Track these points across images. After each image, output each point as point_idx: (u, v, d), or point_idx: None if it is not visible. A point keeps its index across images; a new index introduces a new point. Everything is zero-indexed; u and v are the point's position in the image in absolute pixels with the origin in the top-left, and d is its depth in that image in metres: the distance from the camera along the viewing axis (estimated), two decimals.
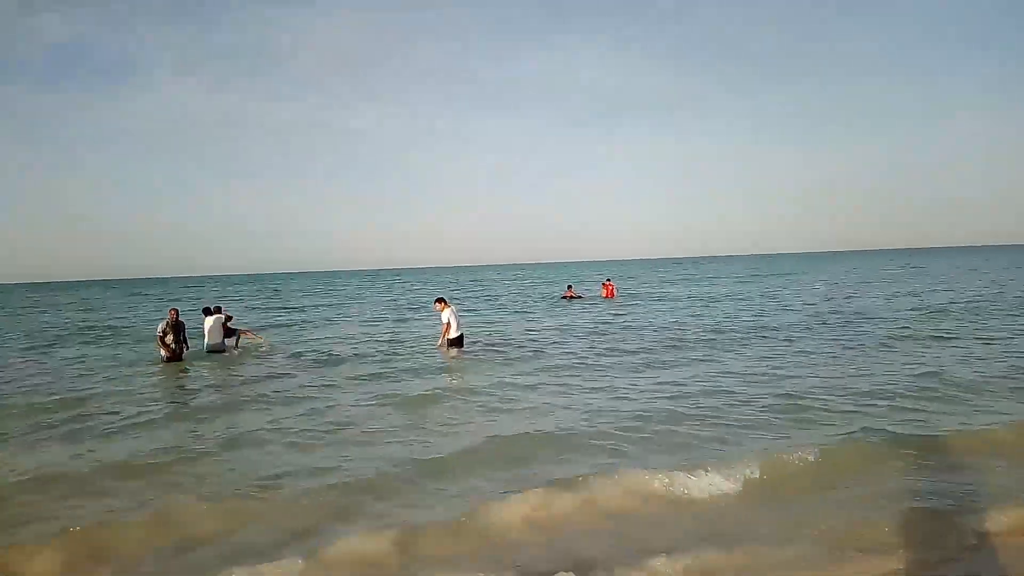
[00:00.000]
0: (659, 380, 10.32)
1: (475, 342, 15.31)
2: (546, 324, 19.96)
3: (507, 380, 10.59)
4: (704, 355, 12.81)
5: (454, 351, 13.95)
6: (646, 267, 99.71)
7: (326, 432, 7.72)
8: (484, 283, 57.90)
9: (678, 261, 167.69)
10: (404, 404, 9.15)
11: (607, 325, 19.00)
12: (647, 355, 13.09)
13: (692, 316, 21.21)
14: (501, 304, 30.66)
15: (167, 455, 6.99)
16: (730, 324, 18.26)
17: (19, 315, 35.68)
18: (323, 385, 10.75)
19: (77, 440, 7.73)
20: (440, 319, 14.51)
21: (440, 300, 14.60)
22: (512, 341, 15.95)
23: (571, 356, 13.24)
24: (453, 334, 14.12)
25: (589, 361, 12.56)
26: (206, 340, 14.59)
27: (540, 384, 10.32)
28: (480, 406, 8.90)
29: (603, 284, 32.40)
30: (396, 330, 19.67)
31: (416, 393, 9.82)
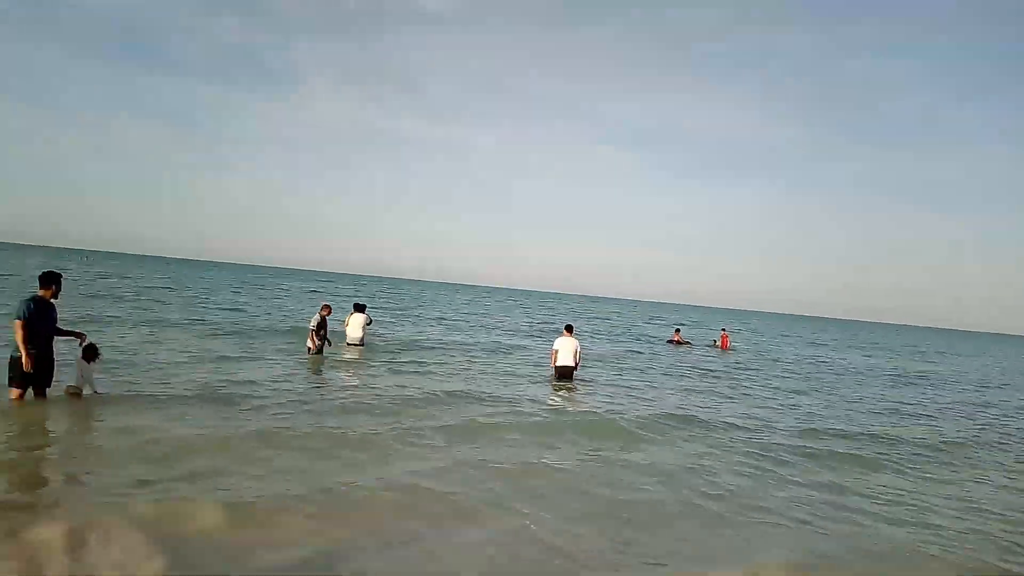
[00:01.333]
0: None
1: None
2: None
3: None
4: None
5: (563, 381, 13.67)
6: (717, 316, 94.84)
7: None
8: (583, 314, 57.49)
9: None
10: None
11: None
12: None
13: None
14: (612, 337, 30.72)
15: None
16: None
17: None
18: None
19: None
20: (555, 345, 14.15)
21: (569, 327, 14.50)
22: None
23: None
24: (561, 362, 13.80)
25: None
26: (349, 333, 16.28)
27: None
28: None
29: (721, 333, 30.91)
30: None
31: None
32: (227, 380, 10.79)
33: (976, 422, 14.06)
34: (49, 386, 7.91)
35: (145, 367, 11.41)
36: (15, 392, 7.58)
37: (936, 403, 16.81)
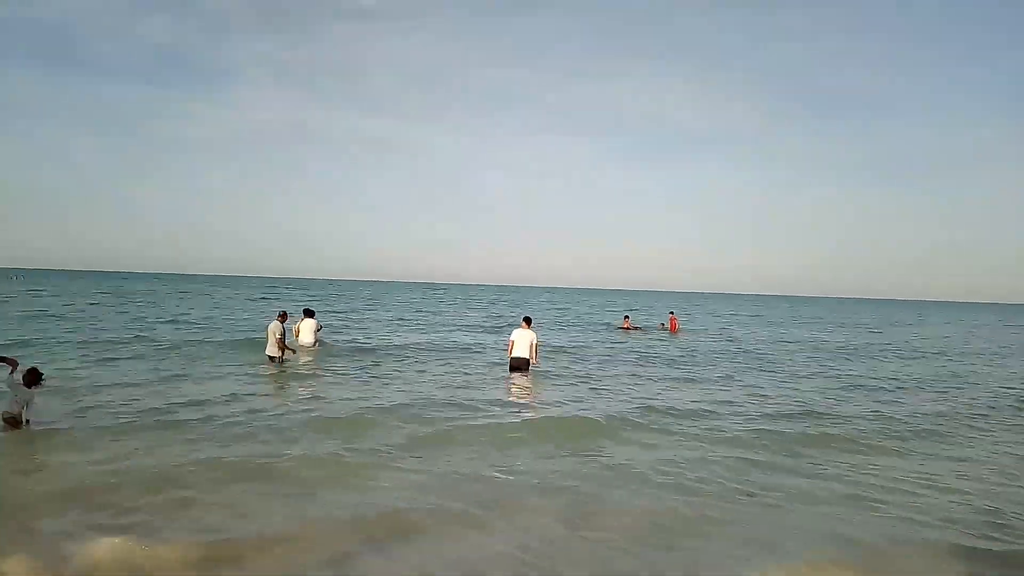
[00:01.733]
0: None
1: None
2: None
3: None
4: None
5: (516, 374, 13.77)
6: (668, 299, 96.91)
7: None
8: (523, 305, 57.49)
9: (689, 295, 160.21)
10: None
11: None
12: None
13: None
14: (555, 328, 30.92)
15: None
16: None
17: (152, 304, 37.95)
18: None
19: None
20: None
21: (528, 319, 14.42)
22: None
23: None
24: (516, 354, 13.76)
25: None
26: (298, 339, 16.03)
27: None
28: None
29: (670, 316, 31.41)
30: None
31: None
32: (179, 402, 10.20)
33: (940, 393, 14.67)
34: None
35: (89, 391, 10.89)
36: None
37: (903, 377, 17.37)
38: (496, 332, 26.78)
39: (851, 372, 17.93)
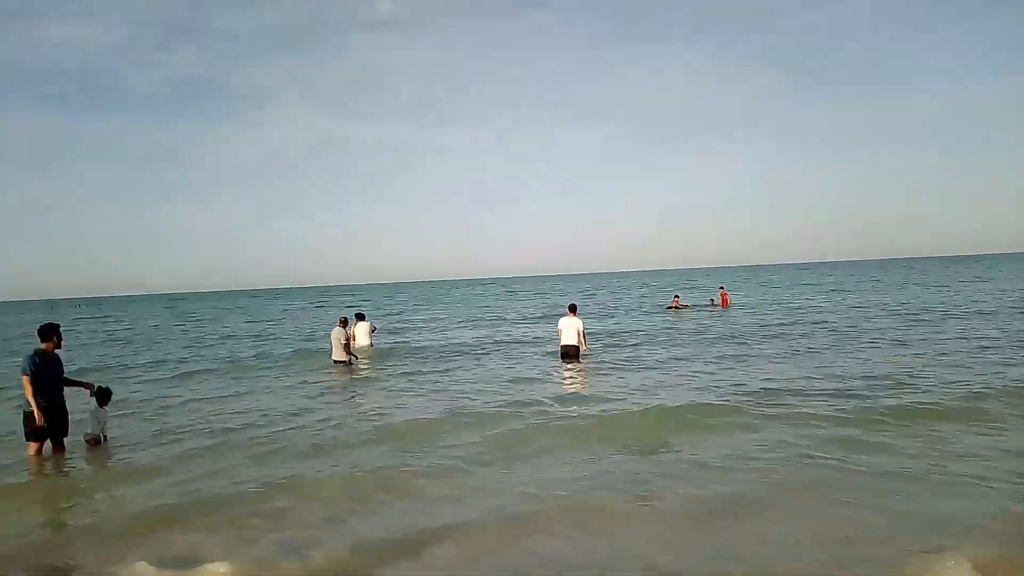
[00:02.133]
0: None
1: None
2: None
3: None
4: None
5: (568, 361, 13.71)
6: (703, 277, 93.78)
7: None
8: (567, 295, 56.76)
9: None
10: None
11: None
12: None
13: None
14: (606, 313, 30.47)
15: None
16: None
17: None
18: None
19: None
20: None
21: (573, 307, 14.45)
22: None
23: None
24: (564, 342, 13.84)
25: None
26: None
27: None
28: None
29: (720, 292, 30.80)
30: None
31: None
32: (245, 418, 10.04)
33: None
34: (66, 435, 7.77)
35: (163, 411, 10.98)
36: (33, 447, 7.53)
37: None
38: (547, 321, 26.54)
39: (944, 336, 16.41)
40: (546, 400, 10.36)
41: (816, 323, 21.20)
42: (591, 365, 13.97)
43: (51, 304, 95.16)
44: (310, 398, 11.60)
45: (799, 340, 16.97)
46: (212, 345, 23.37)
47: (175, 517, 5.84)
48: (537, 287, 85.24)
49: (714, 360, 14.08)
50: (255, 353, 19.68)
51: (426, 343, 20.31)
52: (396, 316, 36.67)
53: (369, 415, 9.96)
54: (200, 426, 9.56)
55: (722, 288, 32.42)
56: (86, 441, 8.13)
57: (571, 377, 12.86)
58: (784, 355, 14.41)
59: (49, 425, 7.43)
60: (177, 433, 9.14)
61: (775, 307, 29.66)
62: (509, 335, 22.17)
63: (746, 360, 13.88)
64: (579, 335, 13.81)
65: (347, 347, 14.65)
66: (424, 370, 14.49)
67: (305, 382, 13.38)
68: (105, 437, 8.31)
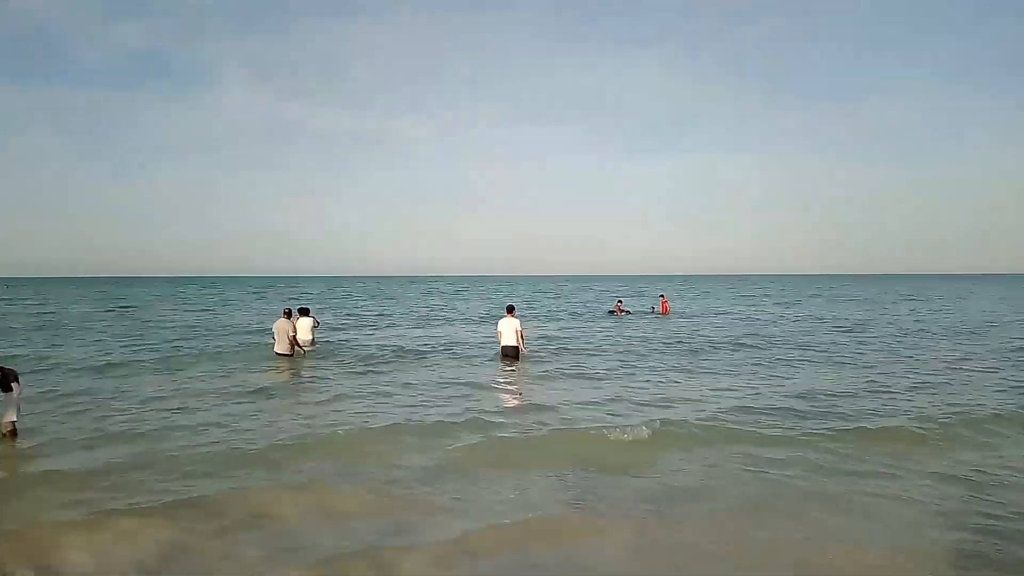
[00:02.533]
0: None
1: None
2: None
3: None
4: None
5: (509, 363, 14.25)
6: (652, 282, 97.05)
7: None
8: (505, 294, 57.05)
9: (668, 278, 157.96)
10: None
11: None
12: None
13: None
14: (549, 315, 30.71)
15: None
16: None
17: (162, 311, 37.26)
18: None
19: None
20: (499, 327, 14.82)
21: (511, 308, 15.17)
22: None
23: None
24: (504, 343, 14.40)
25: None
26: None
27: None
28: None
29: (660, 299, 31.61)
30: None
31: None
32: (172, 420, 9.51)
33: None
34: None
35: (101, 404, 10.45)
36: None
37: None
38: (490, 322, 26.50)
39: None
40: (489, 410, 10.20)
41: (745, 335, 21.92)
42: (537, 371, 14.02)
43: None
44: (246, 398, 11.17)
45: (724, 352, 17.58)
46: (147, 335, 22.36)
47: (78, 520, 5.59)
48: (485, 286, 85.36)
49: (653, 370, 14.34)
50: (192, 345, 18.94)
51: (371, 343, 19.96)
52: (341, 311, 35.96)
53: (306, 420, 9.61)
54: (122, 427, 9.03)
55: (662, 295, 33.35)
56: (3, 431, 7.76)
57: (514, 385, 12.87)
58: (723, 368, 14.81)
59: None
60: (96, 433, 8.68)
61: (713, 317, 30.50)
62: (454, 337, 22.04)
63: (688, 371, 14.22)
64: (517, 335, 14.28)
65: (293, 339, 14.31)
66: (365, 371, 14.21)
67: (245, 380, 12.92)
68: (14, 426, 7.87)
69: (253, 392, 11.64)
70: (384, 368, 14.74)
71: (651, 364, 15.39)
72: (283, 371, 13.84)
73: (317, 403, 10.93)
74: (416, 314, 34.02)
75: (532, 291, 67.10)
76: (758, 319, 29.47)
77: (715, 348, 18.47)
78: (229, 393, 11.56)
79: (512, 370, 13.94)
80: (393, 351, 17.76)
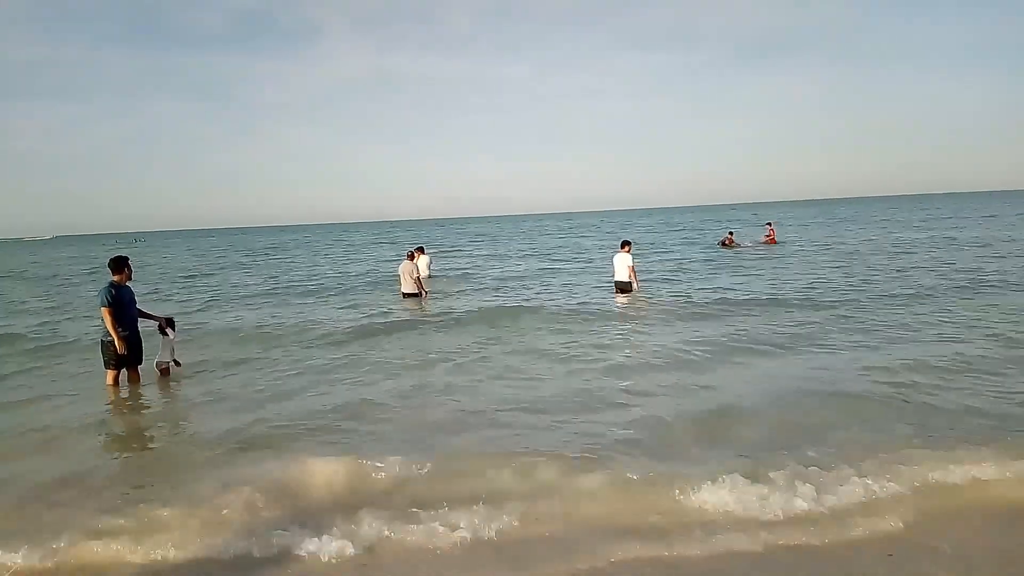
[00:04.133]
0: None
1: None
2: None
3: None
4: None
5: (622, 297, 13.68)
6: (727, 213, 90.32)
7: None
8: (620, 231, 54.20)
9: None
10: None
11: None
12: None
13: None
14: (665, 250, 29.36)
15: None
16: None
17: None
18: None
19: None
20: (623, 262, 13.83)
21: (625, 243, 14.12)
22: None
23: None
24: (617, 278, 13.89)
25: None
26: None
27: None
28: None
29: (768, 228, 29.61)
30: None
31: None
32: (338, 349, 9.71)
33: None
34: (141, 364, 7.87)
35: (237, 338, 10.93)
36: (111, 375, 7.63)
37: None
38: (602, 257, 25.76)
39: None
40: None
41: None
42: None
43: (104, 240, 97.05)
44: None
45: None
46: (284, 276, 23.56)
47: (254, 444, 5.65)
48: (592, 223, 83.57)
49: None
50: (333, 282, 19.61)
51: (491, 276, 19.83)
52: (454, 254, 36.06)
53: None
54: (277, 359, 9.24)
55: (768, 224, 31.13)
56: (158, 369, 8.12)
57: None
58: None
59: (127, 353, 7.51)
60: (247, 365, 8.95)
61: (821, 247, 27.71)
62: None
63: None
64: (630, 271, 13.78)
65: (419, 280, 14.35)
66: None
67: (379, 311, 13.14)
68: (177, 363, 8.30)
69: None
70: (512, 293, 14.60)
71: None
72: (417, 308, 13.52)
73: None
74: (543, 251, 33.56)
75: (640, 224, 64.90)
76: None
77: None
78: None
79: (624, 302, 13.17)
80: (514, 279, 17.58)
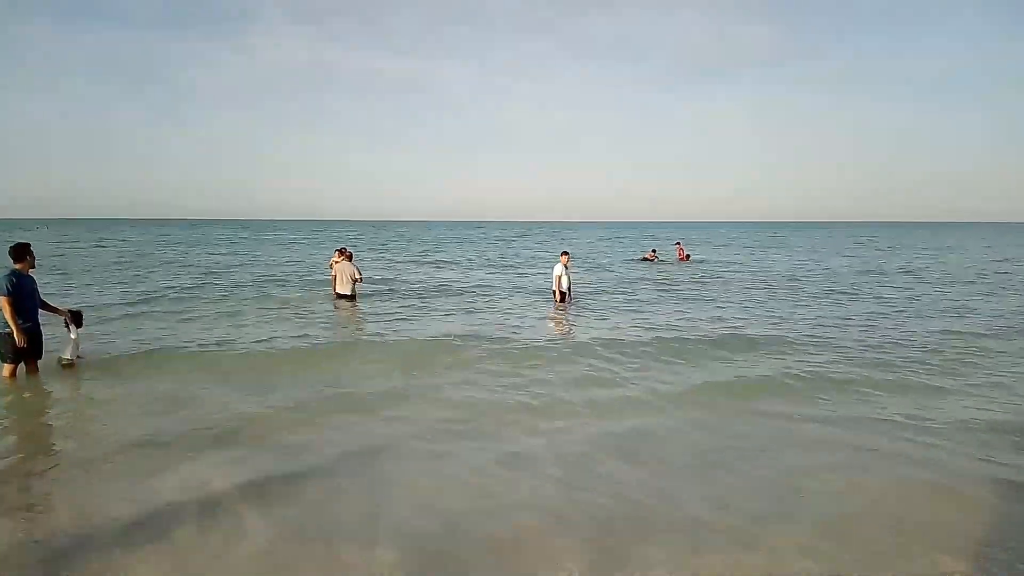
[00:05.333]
0: None
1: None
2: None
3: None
4: None
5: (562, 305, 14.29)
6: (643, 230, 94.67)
7: None
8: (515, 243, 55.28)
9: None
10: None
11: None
12: None
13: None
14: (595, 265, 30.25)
15: None
16: None
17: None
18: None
19: None
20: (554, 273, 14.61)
21: (564, 253, 14.91)
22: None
23: None
24: (564, 287, 14.47)
25: None
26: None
27: None
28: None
29: (677, 247, 31.22)
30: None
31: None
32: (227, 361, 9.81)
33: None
34: (40, 357, 7.60)
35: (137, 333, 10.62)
36: (8, 368, 7.29)
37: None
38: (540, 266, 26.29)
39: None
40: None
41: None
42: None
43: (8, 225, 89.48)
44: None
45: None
46: (212, 273, 22.64)
47: (157, 442, 5.67)
48: (515, 233, 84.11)
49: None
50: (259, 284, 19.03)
51: (415, 283, 19.84)
52: (379, 254, 35.91)
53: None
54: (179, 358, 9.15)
55: (678, 243, 33.01)
56: (61, 365, 7.85)
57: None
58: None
59: (27, 346, 7.20)
60: (152, 354, 8.91)
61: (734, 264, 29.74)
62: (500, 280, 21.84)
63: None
64: (562, 280, 14.34)
65: (357, 283, 14.17)
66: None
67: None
68: (80, 356, 8.08)
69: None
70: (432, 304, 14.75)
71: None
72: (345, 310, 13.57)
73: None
74: (487, 260, 33.72)
75: (567, 238, 66.01)
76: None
77: None
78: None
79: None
80: (434, 289, 17.68)
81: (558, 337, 11.00)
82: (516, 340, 10.37)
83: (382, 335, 10.83)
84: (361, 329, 11.77)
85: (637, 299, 16.17)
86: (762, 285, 19.91)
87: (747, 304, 15.26)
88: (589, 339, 10.55)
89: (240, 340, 10.20)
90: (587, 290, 17.81)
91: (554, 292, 14.58)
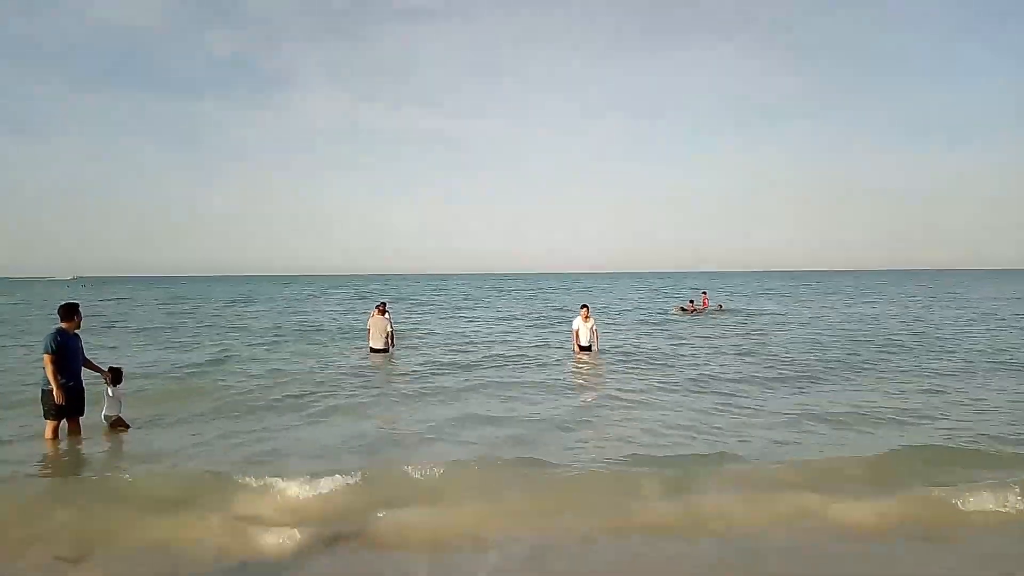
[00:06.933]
0: None
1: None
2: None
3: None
4: None
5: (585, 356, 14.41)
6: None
7: None
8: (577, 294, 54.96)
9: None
10: None
11: None
12: None
13: None
14: (626, 317, 29.73)
15: None
16: None
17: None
18: None
19: None
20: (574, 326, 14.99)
21: (584, 307, 15.20)
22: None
23: None
24: (583, 342, 14.65)
25: None
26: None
27: None
28: None
29: (702, 296, 31.63)
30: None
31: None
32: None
33: None
34: (82, 415, 7.53)
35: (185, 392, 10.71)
36: (50, 426, 7.26)
37: None
38: (562, 323, 25.89)
39: None
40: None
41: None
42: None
43: (52, 283, 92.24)
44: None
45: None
46: (245, 326, 23.02)
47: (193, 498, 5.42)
48: (538, 285, 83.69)
49: None
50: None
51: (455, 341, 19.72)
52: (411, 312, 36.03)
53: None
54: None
55: (704, 292, 33.41)
56: (106, 423, 7.76)
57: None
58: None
59: (67, 404, 7.20)
60: (196, 415, 8.88)
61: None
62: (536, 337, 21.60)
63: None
64: (592, 333, 14.65)
65: (390, 336, 14.39)
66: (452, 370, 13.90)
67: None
68: (121, 419, 7.90)
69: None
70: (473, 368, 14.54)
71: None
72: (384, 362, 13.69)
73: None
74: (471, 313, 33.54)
75: (594, 288, 65.58)
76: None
77: None
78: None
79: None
80: (465, 346, 17.51)
81: None
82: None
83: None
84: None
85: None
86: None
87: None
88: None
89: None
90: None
91: (573, 346, 14.95)
